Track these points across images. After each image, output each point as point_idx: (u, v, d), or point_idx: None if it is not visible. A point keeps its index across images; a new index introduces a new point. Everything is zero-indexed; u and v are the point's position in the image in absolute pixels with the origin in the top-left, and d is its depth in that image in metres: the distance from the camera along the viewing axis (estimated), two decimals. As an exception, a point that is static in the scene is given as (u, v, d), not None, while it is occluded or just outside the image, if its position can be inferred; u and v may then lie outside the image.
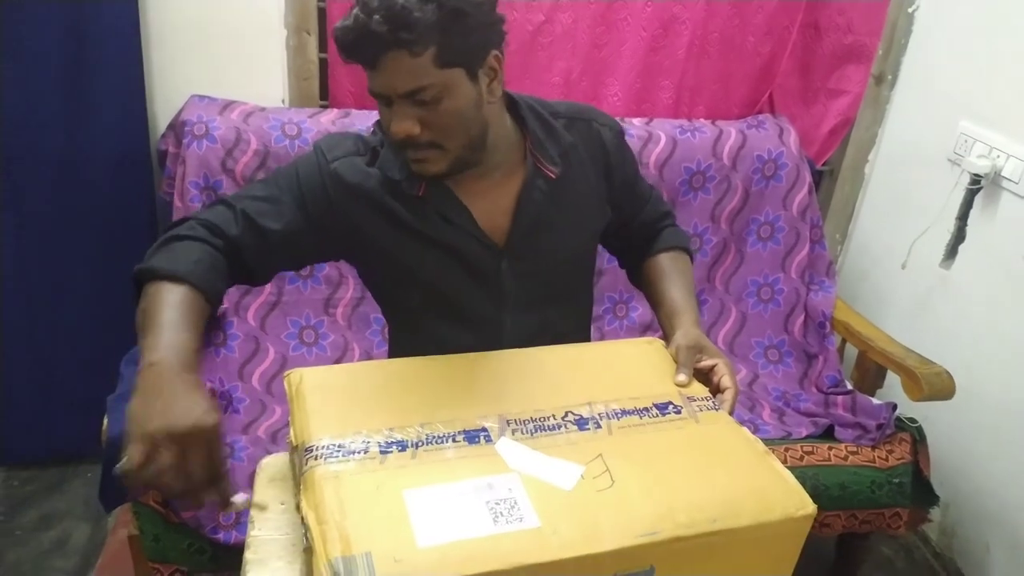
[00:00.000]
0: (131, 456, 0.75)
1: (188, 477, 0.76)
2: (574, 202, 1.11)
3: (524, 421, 0.89)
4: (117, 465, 0.75)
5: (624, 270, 1.33)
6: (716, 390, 1.00)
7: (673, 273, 1.19)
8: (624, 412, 0.92)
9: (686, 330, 1.07)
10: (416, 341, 1.15)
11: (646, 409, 0.93)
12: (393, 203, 1.06)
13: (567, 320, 1.19)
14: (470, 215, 1.07)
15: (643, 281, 1.25)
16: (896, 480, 1.62)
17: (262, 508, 0.89)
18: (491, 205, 1.08)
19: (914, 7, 1.99)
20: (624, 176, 1.18)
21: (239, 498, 0.82)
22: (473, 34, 0.94)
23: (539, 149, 1.08)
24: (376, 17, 0.88)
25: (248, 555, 0.90)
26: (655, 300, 1.20)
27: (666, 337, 1.10)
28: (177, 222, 1.00)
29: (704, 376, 1.02)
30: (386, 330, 1.31)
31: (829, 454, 1.63)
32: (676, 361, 1.02)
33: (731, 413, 0.97)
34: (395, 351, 1.24)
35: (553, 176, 1.08)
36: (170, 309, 0.88)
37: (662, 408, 0.94)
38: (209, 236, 0.98)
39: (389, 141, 1.02)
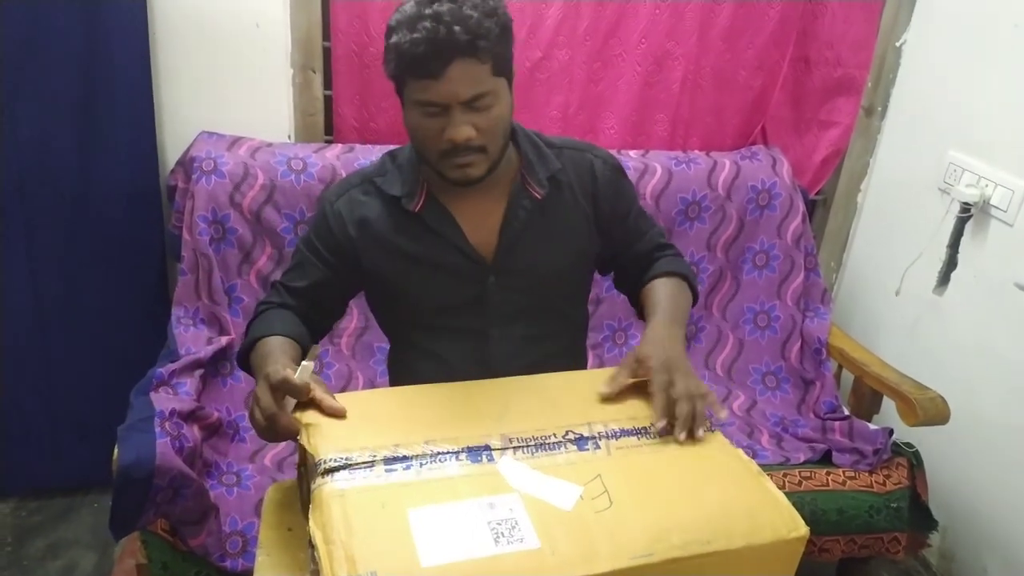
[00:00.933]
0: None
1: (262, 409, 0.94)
2: (559, 223, 1.18)
3: (526, 439, 0.92)
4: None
5: (633, 306, 1.34)
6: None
7: (660, 291, 1.21)
8: (623, 432, 0.95)
9: (647, 332, 1.10)
10: (409, 353, 1.25)
11: (644, 429, 0.96)
12: (387, 224, 1.15)
13: (555, 336, 1.23)
14: (461, 231, 1.14)
15: (640, 309, 1.28)
16: (894, 505, 1.64)
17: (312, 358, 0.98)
18: (481, 222, 1.15)
19: (902, 41, 2.04)
20: (614, 206, 1.23)
21: (303, 367, 0.96)
22: (511, 47, 1.07)
23: (528, 171, 1.16)
24: (457, 28, 0.97)
25: (256, 578, 0.93)
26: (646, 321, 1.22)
27: None
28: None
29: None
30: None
31: (827, 479, 1.64)
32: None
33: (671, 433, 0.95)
34: (391, 363, 1.33)
35: (539, 197, 1.15)
36: (258, 350, 1.10)
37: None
38: (272, 299, 1.20)
39: (433, 150, 1.07)
